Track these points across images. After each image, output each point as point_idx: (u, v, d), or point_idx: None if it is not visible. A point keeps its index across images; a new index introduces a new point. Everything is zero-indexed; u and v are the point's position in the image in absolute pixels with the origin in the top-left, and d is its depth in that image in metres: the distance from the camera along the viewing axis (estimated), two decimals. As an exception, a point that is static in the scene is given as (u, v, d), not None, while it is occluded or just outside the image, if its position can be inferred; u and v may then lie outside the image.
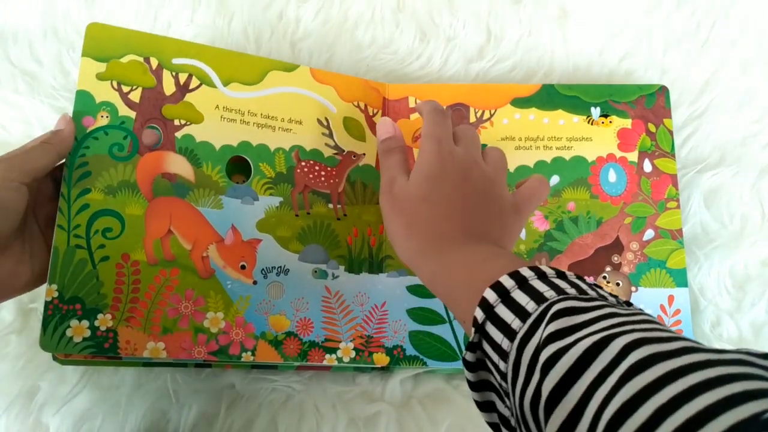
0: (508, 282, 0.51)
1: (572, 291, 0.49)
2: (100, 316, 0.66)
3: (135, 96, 0.72)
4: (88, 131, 0.70)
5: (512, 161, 0.80)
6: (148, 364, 0.73)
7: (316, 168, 0.77)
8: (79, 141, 0.69)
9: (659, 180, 0.80)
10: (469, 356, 0.52)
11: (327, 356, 0.73)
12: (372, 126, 0.81)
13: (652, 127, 0.82)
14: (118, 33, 0.73)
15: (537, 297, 0.49)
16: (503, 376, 0.49)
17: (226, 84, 0.76)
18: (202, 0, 0.91)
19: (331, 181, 0.77)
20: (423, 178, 0.67)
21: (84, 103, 0.71)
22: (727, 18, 0.93)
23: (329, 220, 0.76)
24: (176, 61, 0.74)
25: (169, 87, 0.74)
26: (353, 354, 0.73)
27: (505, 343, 0.48)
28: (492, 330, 0.50)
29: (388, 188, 0.69)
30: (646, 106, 0.82)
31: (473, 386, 0.53)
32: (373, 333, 0.75)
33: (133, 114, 0.72)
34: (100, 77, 0.71)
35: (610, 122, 0.82)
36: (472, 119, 0.82)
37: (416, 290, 0.77)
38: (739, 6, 0.93)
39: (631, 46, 0.92)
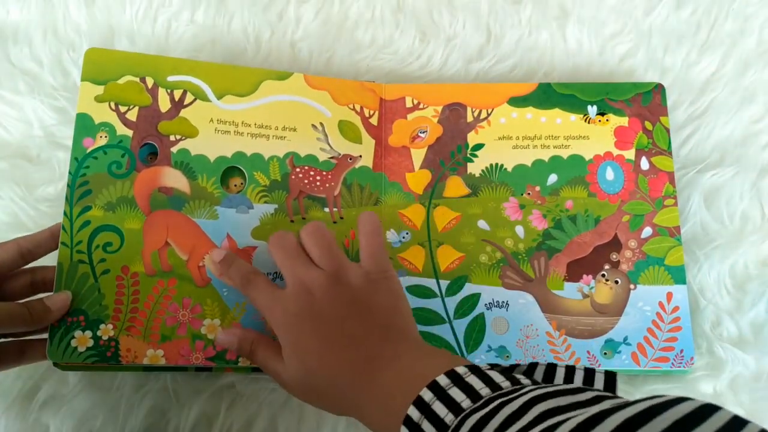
0: (427, 395, 0.53)
1: (485, 390, 0.51)
2: (102, 326, 0.70)
3: (132, 115, 0.76)
4: (88, 152, 0.74)
5: (510, 160, 0.81)
6: (149, 369, 0.74)
7: (311, 173, 0.78)
8: (79, 161, 0.73)
9: (656, 178, 0.80)
10: None
11: None
12: (369, 127, 0.81)
13: (648, 125, 0.82)
14: (115, 56, 0.77)
15: (453, 407, 0.51)
16: None
17: (219, 97, 0.78)
18: (202, 0, 0.91)
19: (327, 185, 0.78)
20: (288, 354, 0.64)
21: (84, 125, 0.74)
22: (727, 18, 0.93)
23: (325, 224, 0.76)
24: (171, 78, 0.77)
25: (164, 104, 0.76)
26: (352, 355, 0.73)
27: None
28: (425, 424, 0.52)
29: (281, 382, 0.66)
30: (642, 104, 0.82)
31: None
32: (372, 333, 0.75)
33: (130, 132, 0.75)
34: (99, 99, 0.75)
35: (607, 120, 0.82)
36: (470, 119, 0.82)
37: (416, 291, 0.77)
38: (739, 6, 0.93)
39: (631, 46, 0.92)
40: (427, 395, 0.52)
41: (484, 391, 0.51)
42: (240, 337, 0.69)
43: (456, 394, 0.51)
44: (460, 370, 0.54)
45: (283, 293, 0.66)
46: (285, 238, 0.69)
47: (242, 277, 0.69)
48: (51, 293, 0.69)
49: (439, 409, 0.51)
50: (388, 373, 0.59)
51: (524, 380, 0.53)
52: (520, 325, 0.76)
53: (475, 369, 0.54)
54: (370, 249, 0.68)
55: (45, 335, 0.69)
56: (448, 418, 0.50)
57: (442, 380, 0.53)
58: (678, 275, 0.78)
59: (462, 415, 0.49)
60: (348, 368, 0.61)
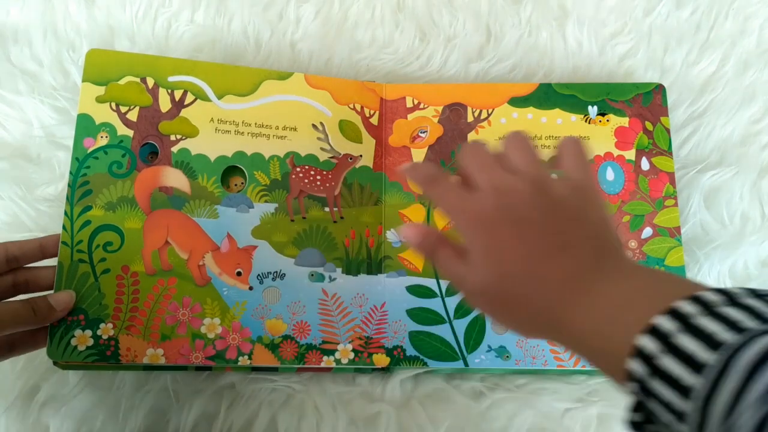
0: (667, 324, 0.42)
1: (751, 323, 0.40)
2: (102, 325, 0.70)
3: (132, 115, 0.76)
4: (88, 152, 0.74)
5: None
6: (148, 368, 0.74)
7: (312, 173, 0.78)
8: (80, 161, 0.74)
9: (657, 178, 0.80)
10: (636, 416, 0.46)
11: (325, 358, 0.73)
12: (369, 127, 0.81)
13: (649, 126, 0.82)
14: (116, 57, 0.78)
15: (708, 341, 0.40)
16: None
17: (220, 97, 0.78)
18: (202, 0, 0.91)
19: (327, 184, 0.78)
20: (479, 257, 0.55)
21: (84, 125, 0.75)
22: (727, 18, 0.93)
23: (325, 224, 0.77)
24: (172, 78, 0.78)
25: (165, 104, 0.77)
26: (352, 355, 0.74)
27: (678, 403, 0.40)
28: (658, 387, 0.42)
29: (462, 288, 0.57)
30: (643, 104, 0.82)
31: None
32: (372, 334, 0.75)
33: (130, 132, 0.76)
34: (99, 100, 0.75)
35: (608, 121, 0.82)
36: (470, 119, 0.82)
37: (416, 290, 0.77)
38: (738, 6, 0.93)
39: (631, 46, 0.92)
40: (666, 324, 0.42)
41: (749, 323, 0.40)
42: (424, 232, 0.60)
43: (708, 324, 0.41)
44: (708, 296, 0.43)
45: (477, 194, 0.56)
46: (479, 146, 0.59)
47: (426, 176, 0.60)
48: (51, 291, 0.70)
49: (687, 342, 0.40)
50: (606, 289, 0.50)
51: None
52: (520, 325, 0.76)
53: (729, 295, 0.43)
54: (577, 163, 0.59)
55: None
56: (703, 354, 0.39)
57: (686, 307, 0.42)
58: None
59: (728, 350, 0.39)
60: (558, 277, 0.52)
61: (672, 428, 0.42)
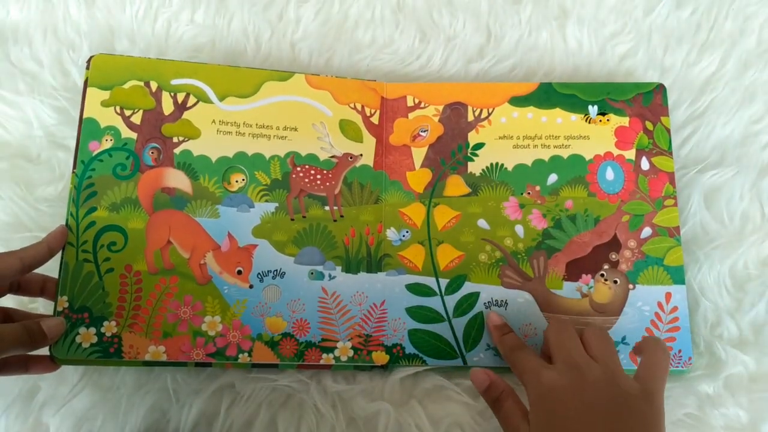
0: None
1: None
2: (105, 323, 0.72)
3: (136, 118, 0.77)
4: (93, 155, 0.76)
5: (510, 160, 0.81)
6: (148, 364, 0.74)
7: (312, 172, 0.79)
8: (85, 164, 0.75)
9: (656, 178, 0.80)
10: None
11: (324, 356, 0.74)
12: (369, 126, 0.81)
13: (649, 125, 0.82)
14: (121, 61, 0.79)
15: None
16: None
17: (222, 99, 0.79)
18: (202, 0, 0.91)
19: (327, 183, 0.79)
20: (540, 422, 0.63)
21: (90, 129, 0.76)
22: (727, 18, 0.93)
23: (325, 222, 0.77)
24: (175, 82, 0.79)
25: (168, 107, 0.78)
26: (351, 353, 0.74)
27: None
28: None
29: None
30: (643, 104, 0.82)
31: None
32: (372, 332, 0.75)
33: (134, 135, 0.77)
34: (104, 104, 0.77)
35: (608, 120, 0.82)
36: (470, 118, 0.82)
37: (415, 289, 0.77)
38: (739, 6, 0.93)
39: (631, 46, 0.92)
40: None
41: None
42: (494, 380, 0.70)
43: None
44: None
45: (553, 367, 0.65)
46: (565, 325, 0.69)
47: (512, 345, 0.71)
48: (49, 316, 0.71)
49: None
50: None
51: None
52: (519, 324, 0.76)
53: None
54: (653, 370, 0.65)
55: (45, 352, 0.70)
56: None
57: None
58: (677, 275, 0.78)
59: None
60: None
61: None
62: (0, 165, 0.82)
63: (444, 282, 0.77)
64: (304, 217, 0.77)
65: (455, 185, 0.80)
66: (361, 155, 0.80)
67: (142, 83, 0.78)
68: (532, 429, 0.63)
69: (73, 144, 0.76)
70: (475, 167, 0.81)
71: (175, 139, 0.78)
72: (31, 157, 0.84)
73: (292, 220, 0.77)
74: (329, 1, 0.92)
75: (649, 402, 0.62)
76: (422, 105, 0.83)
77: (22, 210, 0.81)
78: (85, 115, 0.77)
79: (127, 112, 0.77)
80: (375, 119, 0.82)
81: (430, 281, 0.77)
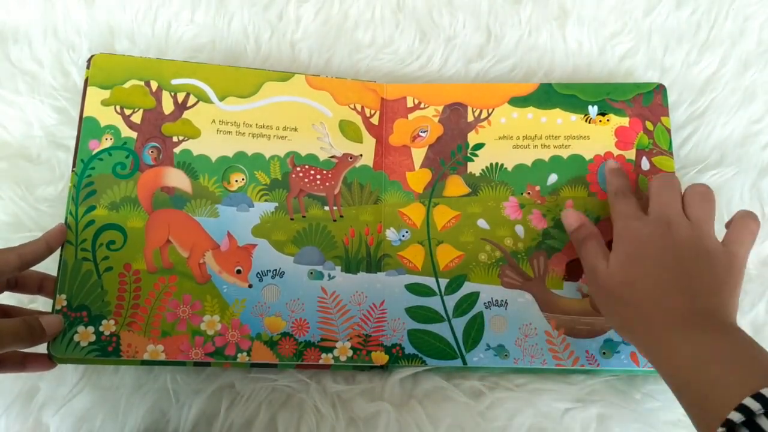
0: (753, 405, 0.50)
1: None
2: (104, 321, 0.72)
3: (136, 118, 0.78)
4: (93, 153, 0.76)
5: (510, 160, 0.81)
6: (146, 363, 0.74)
7: (312, 172, 0.79)
8: (85, 163, 0.75)
9: (657, 178, 0.80)
10: None
11: (323, 356, 0.74)
12: (369, 127, 0.81)
13: (649, 125, 0.82)
14: (121, 61, 0.79)
15: None
16: None
17: (222, 99, 0.80)
18: (202, 0, 0.91)
19: (327, 183, 0.79)
20: (619, 263, 0.68)
21: (90, 128, 0.77)
22: (727, 18, 0.93)
23: (325, 222, 0.77)
24: (175, 81, 0.79)
25: (168, 106, 0.78)
26: (350, 353, 0.74)
27: None
28: None
29: (593, 277, 0.71)
30: (643, 104, 0.82)
31: None
32: (371, 332, 0.75)
33: (134, 134, 0.77)
34: (105, 103, 0.77)
35: (608, 121, 0.82)
36: (470, 118, 0.82)
37: (415, 288, 0.77)
38: (738, 6, 0.93)
39: (631, 46, 0.92)
40: (752, 404, 0.50)
41: None
42: (583, 222, 0.75)
43: None
44: None
45: (646, 217, 0.70)
46: (672, 181, 0.73)
47: (617, 189, 0.75)
48: (48, 313, 0.71)
49: (765, 424, 0.49)
50: (698, 338, 0.60)
51: None
52: (519, 324, 0.76)
53: None
54: (742, 236, 0.68)
55: (43, 350, 0.70)
56: None
57: None
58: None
59: None
60: (674, 306, 0.63)
61: None
62: (0, 165, 0.82)
63: (444, 282, 0.77)
64: (303, 216, 0.78)
65: (455, 185, 0.80)
66: (361, 155, 0.80)
67: (142, 83, 0.79)
68: (611, 265, 0.68)
69: (73, 144, 0.76)
70: (475, 167, 0.81)
71: (174, 139, 0.78)
72: (31, 157, 0.84)
73: (292, 219, 0.77)
74: (329, 1, 0.92)
75: (730, 263, 0.66)
76: (422, 105, 0.83)
77: (22, 210, 0.81)
78: (85, 114, 0.77)
79: (127, 112, 0.78)
80: (375, 120, 0.82)
81: (429, 281, 0.77)
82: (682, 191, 0.71)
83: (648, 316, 0.64)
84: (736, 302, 0.66)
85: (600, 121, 0.82)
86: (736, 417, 0.50)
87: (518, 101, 0.83)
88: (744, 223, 0.69)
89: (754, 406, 0.49)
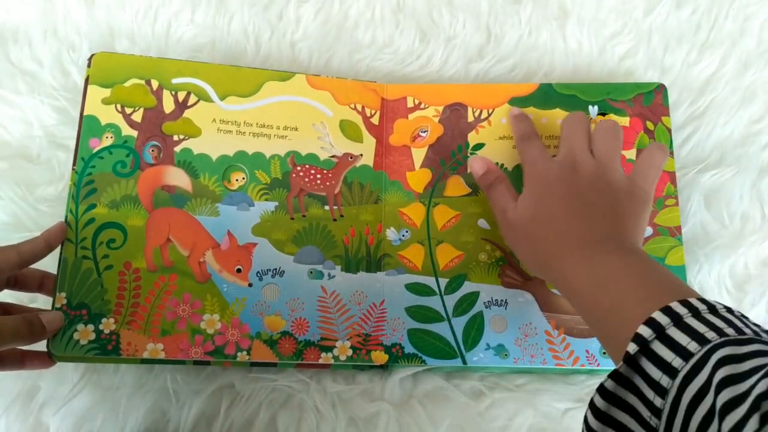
0: (662, 318, 0.50)
1: (730, 330, 0.48)
2: (104, 320, 0.71)
3: (137, 116, 0.78)
4: (94, 152, 0.76)
5: (511, 160, 0.81)
6: (146, 361, 0.74)
7: (312, 171, 0.79)
8: (85, 161, 0.75)
9: (657, 178, 0.80)
10: (610, 385, 0.52)
11: (323, 355, 0.74)
12: (370, 127, 0.81)
13: (650, 125, 0.82)
14: (122, 59, 0.79)
15: (697, 337, 0.48)
16: (655, 412, 0.48)
17: (222, 98, 0.80)
18: (202, 0, 0.91)
19: (327, 183, 0.79)
20: (527, 202, 0.71)
21: (90, 126, 0.77)
22: (727, 18, 0.93)
23: (325, 222, 0.78)
24: (175, 80, 0.79)
25: (168, 105, 0.78)
26: (350, 352, 0.74)
27: (664, 380, 0.48)
28: (647, 365, 0.49)
29: (503, 218, 0.73)
30: (644, 104, 0.82)
31: (599, 416, 0.52)
32: (371, 331, 0.75)
33: (135, 133, 0.77)
34: (105, 101, 0.77)
35: (608, 121, 0.82)
36: (470, 119, 0.82)
37: (415, 288, 0.77)
38: (739, 6, 0.93)
39: (631, 46, 0.92)
40: (661, 318, 0.50)
41: (729, 330, 0.48)
42: (490, 167, 0.77)
43: (696, 325, 0.49)
44: (696, 303, 0.51)
45: (552, 159, 0.73)
46: (580, 120, 0.75)
47: (522, 134, 0.78)
48: (47, 310, 0.71)
49: (677, 335, 0.49)
50: (604, 259, 0.63)
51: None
52: (519, 324, 0.76)
53: (712, 308, 0.51)
54: (646, 169, 0.72)
55: (43, 348, 0.70)
56: (692, 345, 0.47)
57: (677, 308, 0.51)
58: (679, 275, 0.77)
59: (710, 345, 0.47)
60: (575, 233, 0.66)
61: (650, 404, 0.49)
62: (0, 165, 0.83)
63: (443, 281, 0.77)
64: (303, 216, 0.78)
65: (455, 185, 0.80)
66: (361, 155, 0.80)
67: (143, 81, 0.79)
68: (518, 207, 0.71)
69: (73, 144, 0.76)
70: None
71: (175, 138, 0.78)
72: (31, 157, 0.84)
73: (292, 219, 0.77)
74: (329, 1, 0.92)
75: (632, 192, 0.70)
76: (422, 106, 0.83)
77: (22, 210, 0.81)
78: (85, 113, 0.77)
79: (128, 110, 0.78)
80: (375, 120, 0.82)
81: (429, 281, 0.77)
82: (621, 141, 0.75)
83: (550, 247, 0.67)
84: (641, 231, 0.70)
85: (600, 121, 0.82)
86: (647, 332, 0.50)
87: (518, 101, 0.82)
88: (649, 155, 0.73)
89: (663, 320, 0.50)
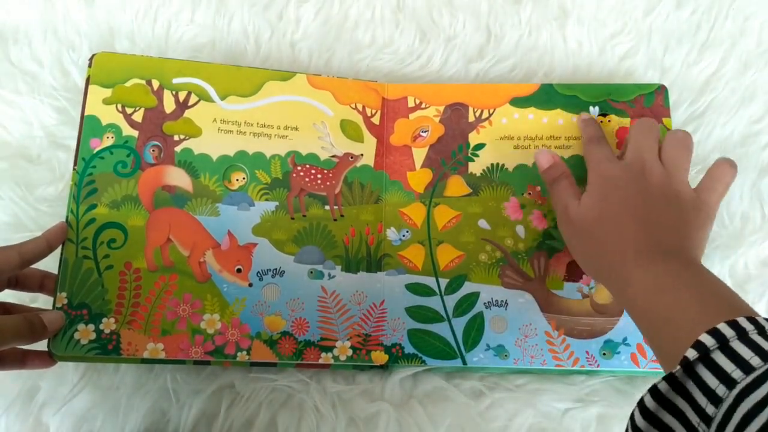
0: (727, 331, 0.50)
1: None
2: (104, 320, 0.72)
3: (138, 116, 0.78)
4: (94, 152, 0.76)
5: (511, 160, 0.81)
6: (146, 361, 0.74)
7: (312, 171, 0.79)
8: (86, 161, 0.75)
9: (658, 179, 0.80)
10: (664, 387, 0.51)
11: (323, 355, 0.73)
12: (370, 126, 0.81)
13: (651, 126, 0.82)
14: (123, 59, 0.80)
15: (762, 353, 0.48)
16: (705, 418, 0.48)
17: (223, 98, 0.80)
18: (202, 0, 0.91)
19: (328, 183, 0.79)
20: (591, 202, 0.70)
21: (91, 126, 0.77)
22: (727, 18, 0.93)
23: (325, 222, 0.78)
24: (176, 80, 0.79)
25: (169, 105, 0.79)
26: (350, 353, 0.74)
27: (720, 389, 0.47)
28: (704, 373, 0.49)
29: (564, 215, 0.73)
30: (645, 105, 0.82)
31: (647, 415, 0.52)
32: (371, 331, 0.75)
33: (135, 133, 0.77)
34: (106, 102, 0.77)
35: (609, 121, 0.82)
36: (471, 119, 0.82)
37: (415, 288, 0.77)
38: (738, 6, 0.93)
39: (631, 46, 0.92)
40: (726, 330, 0.50)
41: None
42: (556, 161, 0.77)
43: (761, 341, 0.49)
44: (763, 322, 0.51)
45: (620, 162, 0.72)
46: (651, 126, 0.74)
47: (590, 136, 0.77)
48: (48, 310, 0.71)
49: (741, 349, 0.49)
50: (663, 270, 0.62)
51: None
52: (519, 325, 0.76)
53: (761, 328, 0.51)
54: (714, 184, 0.71)
55: (43, 348, 0.70)
56: (754, 360, 0.47)
57: (743, 323, 0.51)
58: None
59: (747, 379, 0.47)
60: (639, 239, 0.65)
61: (701, 411, 0.48)
62: (0, 165, 0.82)
63: (444, 282, 0.77)
64: (304, 216, 0.78)
65: (456, 185, 0.80)
66: (362, 155, 0.80)
67: (143, 81, 0.79)
68: (582, 205, 0.70)
69: (73, 144, 0.76)
70: (476, 167, 0.81)
71: (176, 137, 0.78)
72: (31, 157, 0.84)
73: (293, 219, 0.77)
74: (329, 1, 0.92)
75: (698, 207, 0.69)
76: (423, 105, 0.83)
77: (22, 210, 0.81)
78: (86, 113, 0.77)
79: (129, 110, 0.78)
80: (376, 119, 0.82)
81: (429, 281, 0.77)
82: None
83: (611, 250, 0.67)
84: (702, 245, 0.70)
85: (601, 122, 0.82)
86: (710, 341, 0.50)
87: (519, 101, 0.82)
88: (719, 170, 0.72)
89: (728, 332, 0.50)
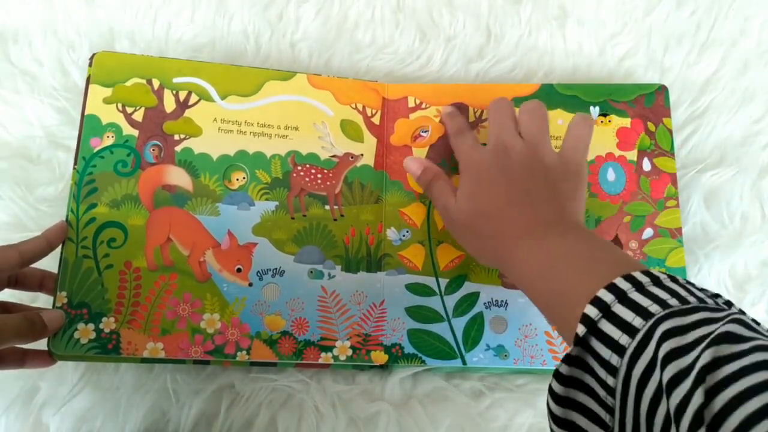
0: (607, 296, 0.50)
1: (673, 301, 0.48)
2: (104, 319, 0.72)
3: (138, 116, 0.78)
4: (95, 151, 0.76)
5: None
6: (146, 361, 0.74)
7: (312, 171, 0.79)
8: (86, 160, 0.75)
9: (658, 179, 0.80)
10: (565, 369, 0.51)
11: (323, 354, 0.74)
12: (371, 126, 0.81)
13: (651, 126, 0.82)
14: (123, 59, 0.79)
15: (641, 312, 0.48)
16: (609, 391, 0.48)
17: (223, 97, 0.80)
18: (202, 0, 0.91)
19: (328, 183, 0.79)
20: (466, 195, 0.71)
21: (92, 126, 0.77)
22: (727, 18, 0.93)
23: (325, 222, 0.78)
24: (176, 80, 0.79)
25: (169, 105, 0.78)
26: (350, 352, 0.74)
27: (614, 359, 0.48)
28: (598, 345, 0.49)
29: (446, 216, 0.74)
30: (645, 105, 0.82)
31: (559, 400, 0.52)
32: (371, 331, 0.75)
33: (136, 132, 0.77)
34: (106, 101, 0.77)
35: (609, 121, 0.82)
36: (471, 119, 0.82)
37: (415, 288, 0.77)
38: (739, 6, 0.93)
39: (631, 46, 0.92)
40: (606, 296, 0.50)
41: (672, 301, 0.48)
42: (426, 166, 0.77)
43: (640, 299, 0.49)
44: (640, 277, 0.51)
45: (484, 148, 0.73)
46: (504, 105, 0.75)
47: (456, 129, 0.77)
48: (48, 309, 0.71)
49: (623, 312, 0.49)
50: (553, 243, 0.63)
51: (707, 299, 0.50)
52: (519, 325, 0.76)
53: (656, 279, 0.51)
54: (575, 142, 0.72)
55: (43, 347, 0.70)
56: (636, 321, 0.47)
57: (621, 283, 0.51)
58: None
59: (654, 318, 0.47)
60: (518, 221, 0.66)
61: (603, 384, 0.49)
62: (0, 165, 0.82)
63: (444, 282, 0.77)
64: (304, 216, 0.78)
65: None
66: (362, 155, 0.80)
67: (144, 81, 0.79)
68: (459, 200, 0.71)
69: (73, 144, 0.76)
70: (476, 167, 0.81)
71: (176, 137, 0.78)
72: (31, 157, 0.84)
73: (293, 218, 0.77)
74: (329, 1, 0.92)
75: (565, 169, 0.70)
76: (423, 105, 0.83)
77: (22, 210, 0.81)
78: (86, 112, 0.77)
79: (129, 110, 0.78)
80: (376, 119, 0.82)
81: (429, 281, 0.77)
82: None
83: (497, 237, 0.67)
84: (581, 206, 0.70)
85: (601, 122, 0.82)
86: (593, 312, 0.50)
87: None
88: (577, 128, 0.73)
89: (608, 297, 0.50)
